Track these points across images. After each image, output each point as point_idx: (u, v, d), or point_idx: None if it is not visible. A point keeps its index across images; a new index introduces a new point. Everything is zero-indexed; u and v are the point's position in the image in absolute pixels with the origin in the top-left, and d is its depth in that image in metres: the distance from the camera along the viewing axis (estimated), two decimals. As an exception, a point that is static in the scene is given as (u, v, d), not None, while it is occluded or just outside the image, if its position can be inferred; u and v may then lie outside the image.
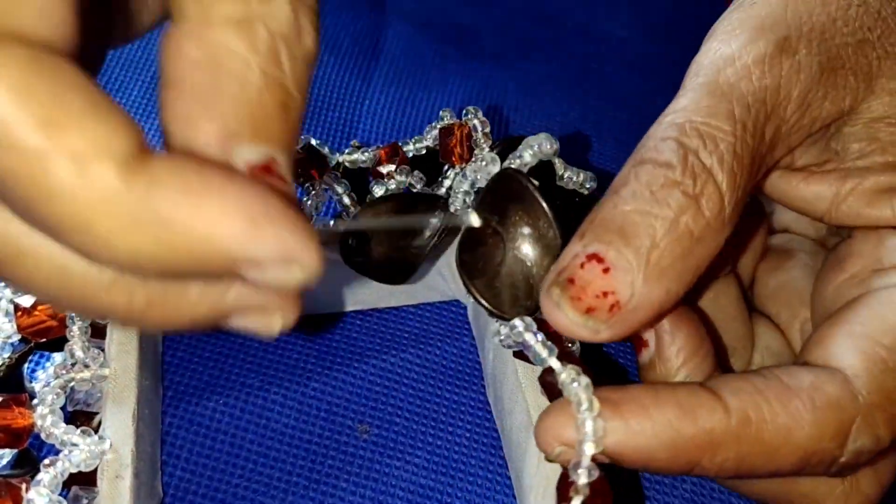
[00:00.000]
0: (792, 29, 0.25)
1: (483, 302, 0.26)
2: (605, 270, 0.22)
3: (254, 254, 0.16)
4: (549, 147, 0.28)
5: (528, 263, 0.26)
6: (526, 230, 0.26)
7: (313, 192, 0.30)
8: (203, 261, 0.16)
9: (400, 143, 0.32)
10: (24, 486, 0.23)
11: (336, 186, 0.30)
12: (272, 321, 0.19)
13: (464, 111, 0.31)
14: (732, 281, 0.30)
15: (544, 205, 0.25)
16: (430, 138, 0.32)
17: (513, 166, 0.28)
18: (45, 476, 0.23)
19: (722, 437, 0.22)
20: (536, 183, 0.25)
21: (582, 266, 0.23)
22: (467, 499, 0.30)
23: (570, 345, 0.26)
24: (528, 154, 0.28)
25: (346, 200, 0.30)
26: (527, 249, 0.26)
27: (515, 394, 0.28)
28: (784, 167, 0.27)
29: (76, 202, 0.15)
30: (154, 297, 0.17)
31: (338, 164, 0.31)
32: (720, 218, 0.23)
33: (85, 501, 0.24)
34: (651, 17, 0.55)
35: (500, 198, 0.26)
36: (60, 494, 0.24)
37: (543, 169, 0.29)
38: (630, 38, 0.53)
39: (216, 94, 0.17)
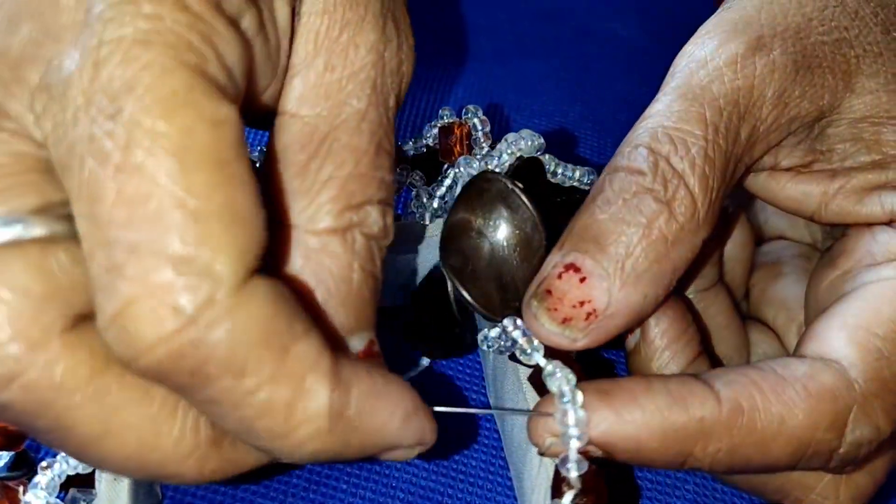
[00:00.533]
0: (765, 28, 0.25)
1: (477, 306, 0.26)
2: (582, 280, 0.23)
3: (401, 442, 0.19)
4: (530, 143, 0.28)
5: (515, 264, 0.26)
6: (515, 233, 0.26)
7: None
8: (364, 451, 0.19)
9: (400, 143, 0.32)
10: (21, 488, 0.23)
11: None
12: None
13: (464, 110, 0.31)
14: (721, 291, 0.30)
15: (532, 210, 0.25)
16: (429, 137, 0.32)
17: (490, 167, 0.28)
18: (42, 478, 0.23)
19: (713, 426, 0.22)
20: (521, 186, 0.25)
21: (560, 276, 0.23)
22: (468, 500, 0.29)
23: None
24: (507, 153, 0.28)
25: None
26: (514, 251, 0.26)
27: (516, 394, 0.27)
28: (769, 168, 0.27)
29: (291, 417, 0.17)
30: (223, 461, 0.19)
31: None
32: (694, 221, 0.23)
33: (83, 503, 0.24)
34: (652, 16, 0.55)
35: (483, 200, 0.26)
36: (58, 497, 0.23)
37: (531, 166, 0.29)
38: (631, 38, 0.53)
39: (327, 297, 0.20)
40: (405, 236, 0.30)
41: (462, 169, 0.28)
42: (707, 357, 0.27)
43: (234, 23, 0.17)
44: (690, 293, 0.29)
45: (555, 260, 0.24)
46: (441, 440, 0.31)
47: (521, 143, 0.28)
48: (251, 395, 0.16)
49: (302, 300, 0.19)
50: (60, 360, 0.17)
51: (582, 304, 0.23)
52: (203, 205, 0.15)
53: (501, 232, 0.25)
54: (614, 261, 0.23)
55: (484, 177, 0.26)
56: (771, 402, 0.22)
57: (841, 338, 0.24)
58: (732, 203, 0.31)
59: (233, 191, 0.16)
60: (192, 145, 0.16)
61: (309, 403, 0.17)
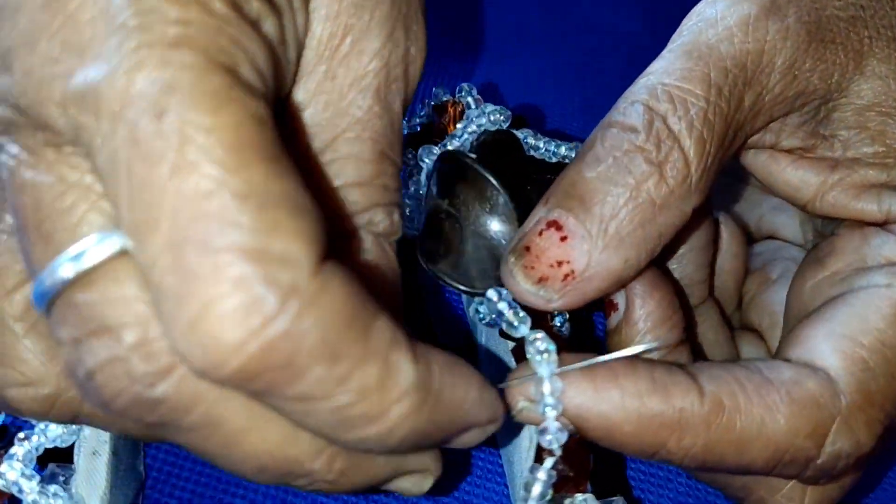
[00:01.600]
0: None
1: (449, 281, 0.26)
2: (563, 238, 0.22)
3: (479, 418, 0.19)
4: (492, 118, 0.28)
5: (489, 236, 0.25)
6: (478, 204, 0.25)
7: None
8: (448, 430, 0.18)
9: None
10: (-3, 460, 0.23)
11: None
12: (426, 482, 0.21)
13: (457, 88, 0.30)
14: (712, 307, 0.29)
15: (487, 174, 0.25)
16: (424, 116, 0.31)
17: (451, 147, 0.27)
18: (19, 450, 0.23)
19: (692, 419, 0.21)
20: (473, 156, 0.25)
21: (540, 234, 0.22)
22: (458, 485, 0.29)
23: (555, 325, 0.26)
24: (467, 132, 0.28)
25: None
26: (485, 222, 0.25)
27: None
28: (769, 146, 0.26)
29: (384, 396, 0.16)
30: (351, 463, 0.19)
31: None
32: (685, 186, 0.22)
33: (62, 479, 0.24)
34: (654, 10, 0.55)
35: (447, 180, 0.26)
36: (36, 471, 0.23)
37: (503, 140, 0.28)
38: (633, 32, 0.53)
39: None
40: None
41: (426, 160, 0.28)
42: (689, 346, 0.26)
43: (257, 27, 0.17)
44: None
45: (538, 215, 0.23)
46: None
47: (482, 119, 0.28)
48: (345, 380, 0.16)
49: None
50: None
51: (560, 263, 0.22)
52: (267, 196, 0.15)
53: (467, 207, 0.25)
54: (598, 222, 0.22)
55: (441, 158, 0.26)
56: (753, 402, 0.22)
57: (827, 346, 0.23)
58: (721, 209, 0.30)
59: (290, 182, 0.16)
60: (245, 139, 0.15)
61: (399, 379, 0.16)
